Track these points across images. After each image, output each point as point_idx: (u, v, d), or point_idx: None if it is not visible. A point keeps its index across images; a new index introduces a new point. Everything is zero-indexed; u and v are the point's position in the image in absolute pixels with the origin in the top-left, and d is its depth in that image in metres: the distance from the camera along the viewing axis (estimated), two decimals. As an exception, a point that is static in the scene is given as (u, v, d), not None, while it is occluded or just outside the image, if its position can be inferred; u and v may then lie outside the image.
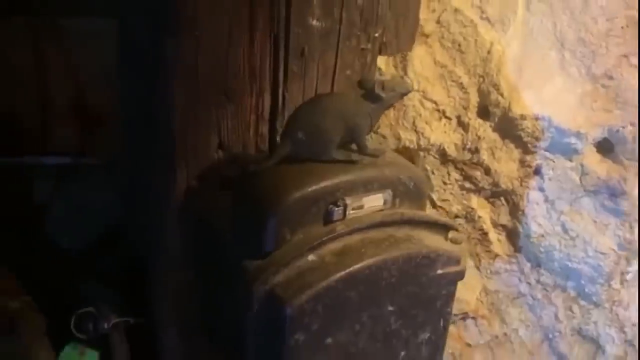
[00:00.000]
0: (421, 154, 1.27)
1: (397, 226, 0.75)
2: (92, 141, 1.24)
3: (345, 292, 0.69)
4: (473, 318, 1.39)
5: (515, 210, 1.26)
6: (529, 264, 1.29)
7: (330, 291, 0.68)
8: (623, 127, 1.08)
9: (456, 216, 1.32)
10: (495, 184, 1.24)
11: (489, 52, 1.14)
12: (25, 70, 1.22)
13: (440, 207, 1.33)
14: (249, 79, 0.84)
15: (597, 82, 1.08)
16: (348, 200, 0.72)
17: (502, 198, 1.27)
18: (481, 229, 1.31)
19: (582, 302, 1.27)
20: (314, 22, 0.81)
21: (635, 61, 1.05)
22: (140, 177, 1.04)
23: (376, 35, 0.88)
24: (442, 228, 0.81)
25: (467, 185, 1.27)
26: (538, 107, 1.12)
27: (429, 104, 1.22)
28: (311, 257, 0.69)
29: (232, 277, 0.70)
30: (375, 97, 0.75)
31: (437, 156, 1.27)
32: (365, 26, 0.88)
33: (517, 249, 1.30)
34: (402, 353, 0.77)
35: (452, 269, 0.76)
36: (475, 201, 1.29)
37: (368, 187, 0.74)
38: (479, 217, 1.30)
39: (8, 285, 1.11)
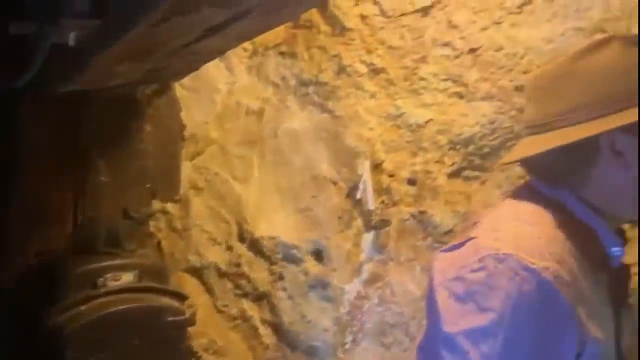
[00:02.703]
0: (205, 271, 1.89)
1: (142, 292, 1.33)
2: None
3: (103, 326, 1.23)
4: (257, 398, 1.88)
5: (273, 308, 1.86)
6: (288, 349, 1.86)
7: (94, 324, 1.22)
8: (321, 240, 1.78)
9: (234, 318, 1.90)
10: (256, 289, 1.86)
11: (239, 199, 1.85)
12: None
13: (223, 311, 1.91)
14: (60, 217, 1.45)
15: (303, 213, 1.80)
16: (108, 275, 1.30)
17: (264, 300, 1.87)
18: (254, 326, 1.88)
19: (327, 371, 1.82)
20: (103, 179, 1.46)
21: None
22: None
23: (148, 186, 1.54)
24: (178, 296, 1.39)
25: (238, 292, 1.88)
26: (271, 231, 1.81)
27: (205, 235, 1.88)
28: (83, 307, 1.24)
29: (42, 320, 1.23)
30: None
31: (215, 272, 1.88)
32: (142, 180, 1.55)
33: (279, 337, 1.87)
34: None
35: (179, 318, 1.33)
36: (246, 304, 1.88)
37: (123, 269, 1.33)
38: (251, 316, 1.88)
39: None
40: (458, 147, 1.54)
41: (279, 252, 1.81)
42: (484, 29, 1.43)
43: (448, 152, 1.57)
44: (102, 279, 1.28)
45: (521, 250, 0.73)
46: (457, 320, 0.75)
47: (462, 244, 0.81)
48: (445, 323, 0.77)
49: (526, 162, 0.90)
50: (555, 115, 0.83)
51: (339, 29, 1.65)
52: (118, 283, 1.31)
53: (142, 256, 1.41)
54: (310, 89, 1.73)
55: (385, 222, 1.68)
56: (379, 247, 1.72)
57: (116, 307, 1.26)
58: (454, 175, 1.57)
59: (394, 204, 1.68)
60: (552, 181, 0.85)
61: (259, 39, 1.77)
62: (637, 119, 0.77)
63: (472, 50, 1.46)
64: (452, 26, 1.48)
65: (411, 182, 1.66)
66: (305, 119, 1.76)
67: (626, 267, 0.89)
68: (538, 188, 0.86)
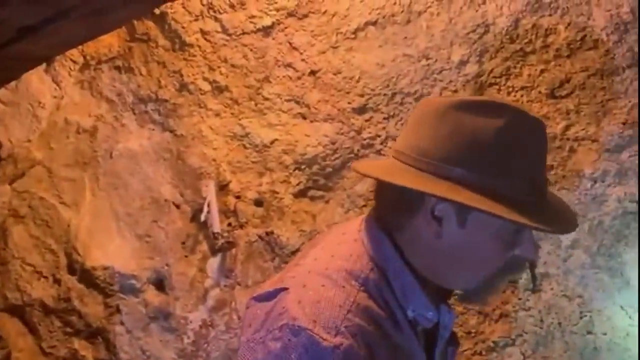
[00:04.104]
0: (28, 309, 1.69)
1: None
2: None
3: None
4: None
5: (109, 345, 1.72)
6: (128, 389, 1.72)
7: None
8: (162, 268, 1.69)
9: (64, 359, 1.72)
10: (89, 325, 1.71)
11: (68, 226, 1.70)
12: None
13: (50, 353, 1.72)
14: None
15: (142, 240, 1.70)
16: None
17: (98, 337, 1.72)
18: (87, 367, 1.72)
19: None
20: None
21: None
22: None
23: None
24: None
25: (68, 330, 1.71)
26: (106, 260, 1.68)
27: (28, 268, 1.69)
28: None
29: None
30: None
31: (40, 309, 1.69)
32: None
33: (117, 378, 1.72)
34: None
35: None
36: (77, 343, 1.72)
37: None
38: (83, 356, 1.72)
39: None
40: (303, 167, 1.58)
41: (115, 283, 1.69)
42: (323, 52, 1.50)
43: (294, 172, 1.60)
44: None
45: (318, 324, 0.73)
46: None
47: (275, 294, 0.79)
48: None
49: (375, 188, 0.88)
50: (409, 149, 0.80)
51: (179, 43, 1.61)
52: None
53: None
54: (150, 106, 1.67)
55: (231, 245, 1.66)
56: (226, 271, 1.69)
57: None
58: (299, 194, 1.61)
59: (241, 225, 1.66)
60: (380, 217, 0.83)
61: (91, 50, 1.67)
62: (466, 203, 0.73)
63: (313, 73, 1.52)
64: (293, 48, 1.53)
65: (258, 202, 1.66)
66: (144, 138, 1.68)
67: (437, 329, 0.87)
68: (371, 237, 0.83)
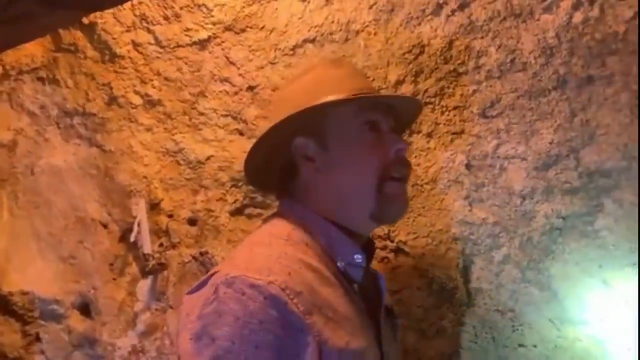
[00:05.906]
0: None
1: None
2: None
3: None
4: None
5: (27, 376, 1.59)
6: None
7: None
8: (88, 291, 1.60)
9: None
10: (5, 356, 1.58)
11: (-18, 247, 1.58)
12: None
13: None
14: None
15: (66, 262, 1.61)
16: None
17: (15, 368, 1.60)
18: (1, 402, 1.59)
19: None
20: None
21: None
22: None
23: None
24: None
25: (-20, 362, 1.57)
26: (25, 284, 1.57)
27: None
28: None
29: None
30: None
31: (-53, 340, 1.55)
32: None
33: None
34: None
35: None
36: (-10, 376, 1.58)
37: None
38: (-3, 390, 1.58)
39: None
40: (240, 184, 1.55)
41: (34, 309, 1.58)
42: (261, 67, 1.48)
43: (230, 190, 1.57)
44: None
45: (250, 270, 0.75)
46: None
47: (205, 282, 0.80)
48: None
49: (250, 181, 1.03)
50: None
51: (109, 55, 1.55)
52: None
53: None
54: (76, 120, 1.59)
55: (163, 266, 1.59)
56: (157, 294, 1.62)
57: None
58: (236, 213, 1.58)
59: (174, 246, 1.61)
60: (280, 199, 0.94)
61: (11, 60, 1.58)
62: (309, 107, 0.86)
63: (251, 88, 1.50)
64: (230, 62, 1.50)
65: (192, 221, 1.61)
66: (69, 153, 1.60)
67: (369, 275, 0.94)
68: (282, 208, 0.93)
